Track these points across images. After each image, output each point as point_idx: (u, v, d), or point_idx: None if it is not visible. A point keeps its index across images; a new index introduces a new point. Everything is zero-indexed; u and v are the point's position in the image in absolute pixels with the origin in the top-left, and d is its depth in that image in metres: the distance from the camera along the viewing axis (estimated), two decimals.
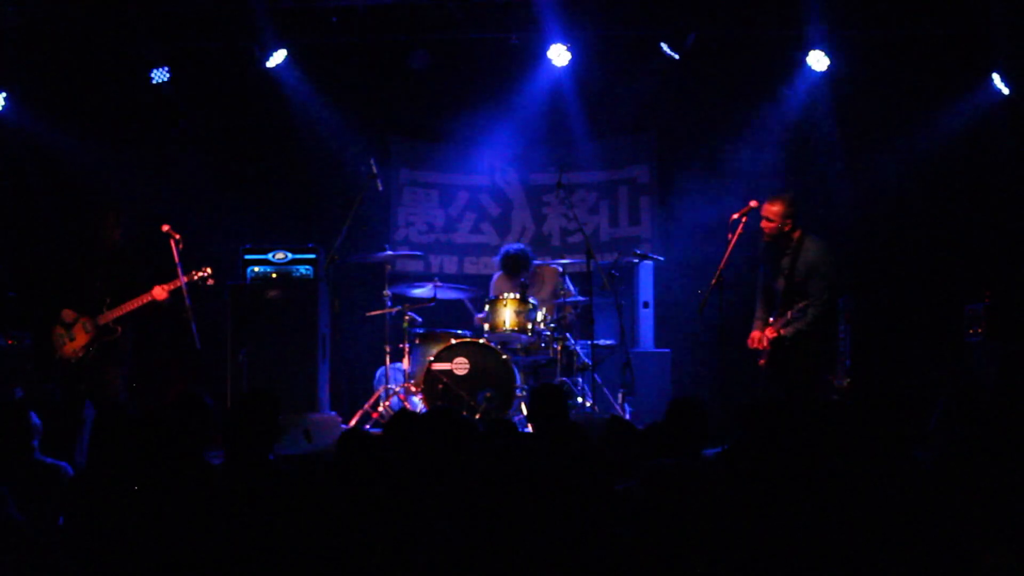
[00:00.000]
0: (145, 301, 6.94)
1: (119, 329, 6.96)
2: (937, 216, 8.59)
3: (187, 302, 6.95)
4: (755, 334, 6.91)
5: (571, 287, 8.22)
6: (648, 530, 3.39)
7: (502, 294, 7.95)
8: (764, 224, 6.82)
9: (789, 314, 6.68)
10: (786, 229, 6.78)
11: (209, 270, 7.08)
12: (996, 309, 7.55)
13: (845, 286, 7.77)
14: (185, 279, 6.96)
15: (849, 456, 3.85)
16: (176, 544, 3.61)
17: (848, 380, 7.99)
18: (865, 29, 8.32)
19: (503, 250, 8.35)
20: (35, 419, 4.47)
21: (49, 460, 4.41)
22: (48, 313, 6.98)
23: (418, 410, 7.63)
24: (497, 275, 8.54)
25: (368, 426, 7.72)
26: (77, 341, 6.91)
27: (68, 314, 6.93)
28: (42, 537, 3.68)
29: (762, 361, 6.82)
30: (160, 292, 6.93)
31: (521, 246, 8.38)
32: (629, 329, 8.33)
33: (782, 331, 6.69)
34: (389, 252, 8.18)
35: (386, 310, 7.98)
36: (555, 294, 8.13)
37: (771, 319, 6.80)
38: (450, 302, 8.54)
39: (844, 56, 8.39)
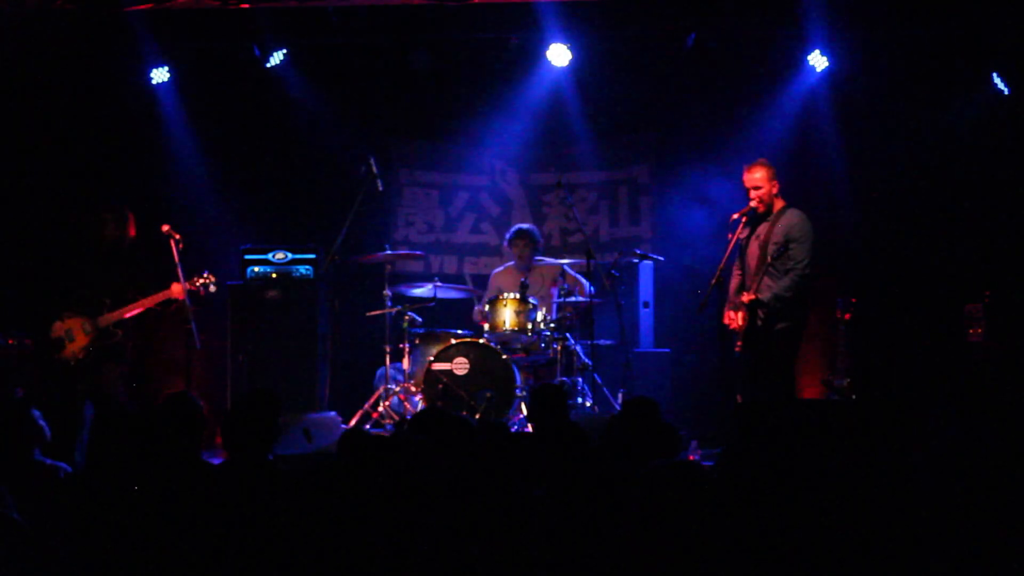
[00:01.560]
0: (162, 299, 6.95)
1: (120, 332, 6.95)
2: (937, 216, 8.59)
3: (188, 303, 6.96)
4: (731, 312, 6.81)
5: (585, 282, 8.16)
6: (648, 530, 3.39)
7: (502, 294, 7.95)
8: (753, 193, 6.70)
9: (765, 280, 6.54)
10: (774, 191, 6.72)
11: (212, 277, 7.08)
12: (996, 309, 7.55)
13: (837, 276, 7.76)
14: (189, 285, 6.96)
15: (848, 456, 3.85)
16: (176, 544, 3.62)
17: (848, 380, 7.98)
18: (865, 29, 8.31)
19: (516, 226, 8.38)
20: (41, 422, 4.46)
21: (49, 461, 4.41)
22: (47, 314, 6.96)
23: (418, 410, 7.64)
24: (496, 271, 8.55)
25: (368, 426, 7.72)
26: (77, 342, 6.90)
27: (67, 316, 6.92)
28: (41, 537, 3.68)
29: (739, 345, 6.73)
30: (179, 290, 6.93)
31: (532, 225, 8.50)
32: (629, 329, 8.32)
33: (758, 295, 6.56)
34: (389, 252, 8.18)
35: (386, 310, 7.98)
36: (554, 281, 8.09)
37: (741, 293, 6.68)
38: (450, 302, 8.54)
39: (844, 56, 8.39)
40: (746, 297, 6.58)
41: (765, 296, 6.54)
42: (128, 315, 6.94)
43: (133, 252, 7.18)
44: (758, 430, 3.87)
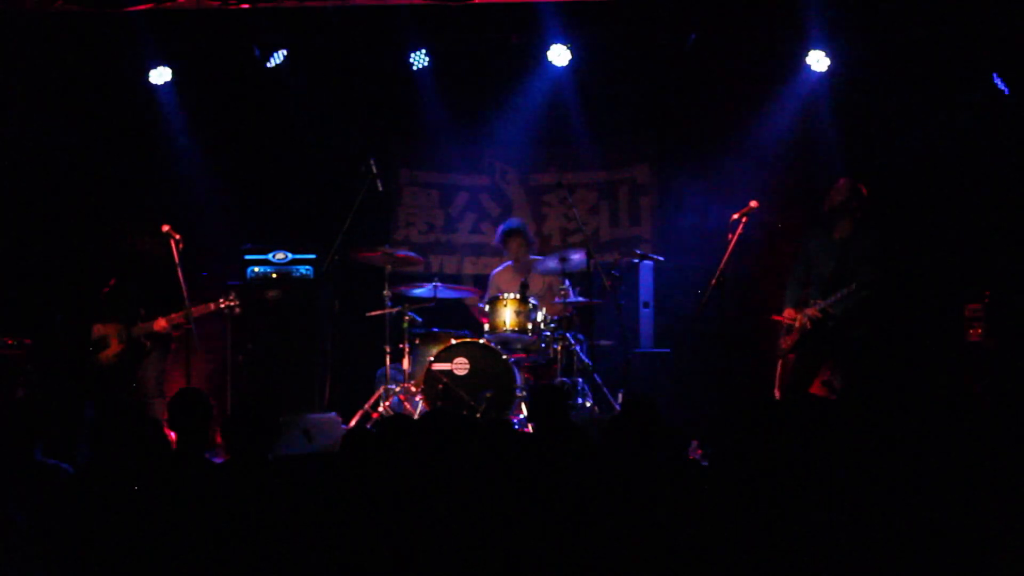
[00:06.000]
0: (212, 309, 7.12)
1: (148, 344, 7.06)
2: (937, 215, 8.58)
3: (186, 302, 6.99)
4: (789, 311, 6.87)
5: (569, 288, 8.21)
6: (648, 528, 3.40)
7: (502, 294, 7.95)
8: (834, 195, 6.81)
9: (838, 294, 6.64)
10: (853, 206, 6.78)
11: (237, 301, 7.19)
12: (996, 309, 7.55)
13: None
14: (213, 306, 7.11)
15: (846, 456, 3.85)
16: (176, 544, 3.62)
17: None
18: (865, 29, 8.31)
19: (503, 226, 8.40)
20: (89, 411, 4.48)
21: (51, 461, 4.40)
22: (86, 317, 7.11)
23: (418, 410, 7.64)
24: (496, 271, 8.56)
25: (368, 426, 7.72)
26: (111, 349, 7.07)
27: (104, 322, 7.07)
28: (42, 537, 3.68)
29: (784, 342, 6.76)
30: (226, 306, 7.14)
31: (520, 221, 8.49)
32: (629, 329, 8.32)
33: (829, 309, 6.62)
34: (389, 252, 8.18)
35: (386, 310, 7.98)
36: (553, 291, 8.13)
37: (813, 301, 6.75)
38: (450, 302, 8.54)
39: (844, 56, 8.39)
40: (812, 312, 6.65)
41: (838, 310, 6.64)
42: (182, 321, 7.03)
43: (163, 262, 7.24)
44: (758, 429, 3.86)
